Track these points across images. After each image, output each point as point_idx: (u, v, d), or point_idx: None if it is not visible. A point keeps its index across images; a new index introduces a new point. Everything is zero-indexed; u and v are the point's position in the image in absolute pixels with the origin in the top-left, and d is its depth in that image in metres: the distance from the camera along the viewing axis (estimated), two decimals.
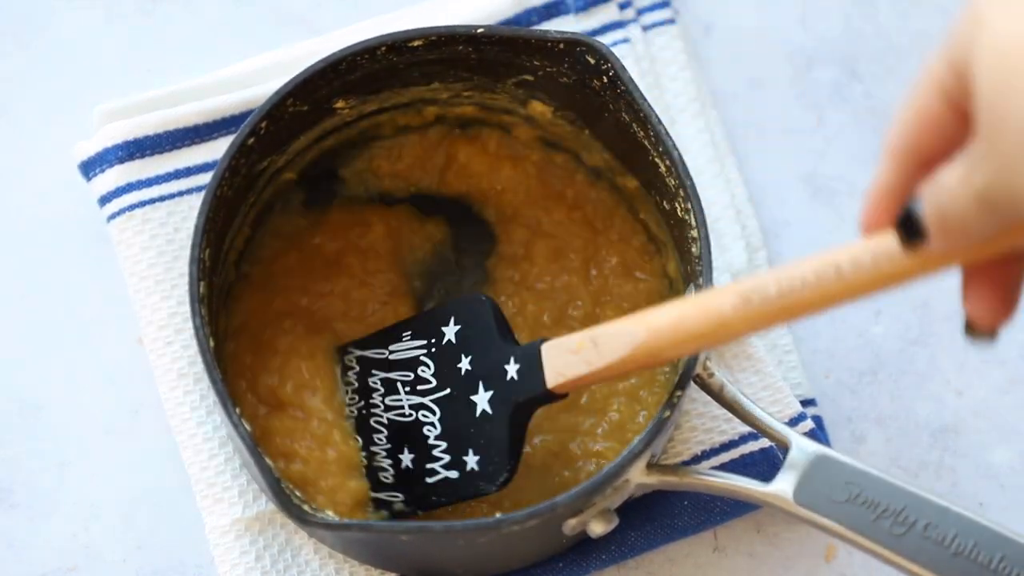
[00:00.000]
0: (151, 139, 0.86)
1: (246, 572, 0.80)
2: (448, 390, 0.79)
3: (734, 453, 0.83)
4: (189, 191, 0.86)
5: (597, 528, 0.76)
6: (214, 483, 0.82)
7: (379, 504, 0.81)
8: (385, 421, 0.82)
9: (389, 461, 0.81)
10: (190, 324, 0.78)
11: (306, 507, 0.75)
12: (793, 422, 0.83)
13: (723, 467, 0.82)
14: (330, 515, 0.77)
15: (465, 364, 0.79)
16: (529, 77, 0.83)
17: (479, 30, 0.81)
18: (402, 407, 0.81)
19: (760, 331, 0.69)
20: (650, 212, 0.85)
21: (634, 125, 0.81)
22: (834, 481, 0.74)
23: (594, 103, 0.82)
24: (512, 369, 0.76)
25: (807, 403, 0.86)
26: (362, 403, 0.82)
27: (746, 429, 0.82)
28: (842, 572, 0.84)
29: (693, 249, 0.78)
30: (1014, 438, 0.87)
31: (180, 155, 0.87)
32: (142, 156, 0.86)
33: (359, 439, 0.82)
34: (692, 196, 0.78)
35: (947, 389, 0.87)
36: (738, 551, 0.84)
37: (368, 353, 0.83)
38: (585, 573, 0.82)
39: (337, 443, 0.81)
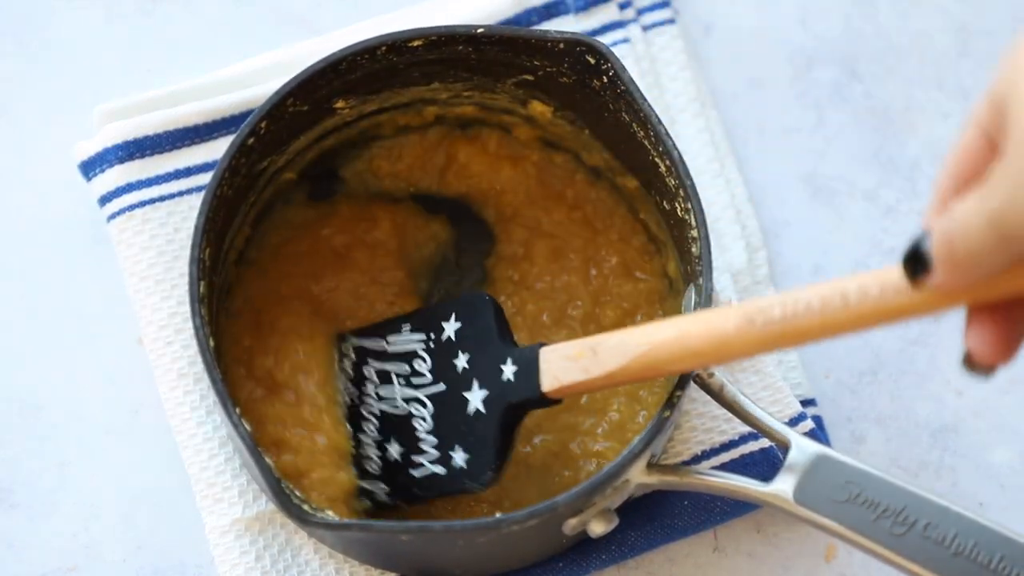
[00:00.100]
0: (151, 139, 0.86)
1: (246, 572, 0.80)
2: (442, 386, 0.79)
3: (734, 453, 0.83)
4: (189, 191, 0.86)
5: (597, 528, 0.76)
6: (214, 483, 0.82)
7: (362, 492, 0.81)
8: (377, 412, 0.82)
9: (377, 452, 0.81)
10: (190, 324, 0.78)
11: (306, 507, 0.75)
12: (793, 422, 0.83)
13: (723, 467, 0.82)
14: (330, 515, 0.77)
15: (462, 361, 0.79)
16: (529, 77, 0.83)
17: (479, 30, 0.81)
18: (395, 399, 0.81)
19: (761, 353, 0.69)
20: (650, 212, 0.85)
21: (634, 125, 0.81)
22: (834, 481, 0.74)
23: (594, 103, 0.82)
24: (509, 370, 0.76)
25: (807, 403, 0.86)
26: (356, 392, 0.83)
27: (746, 429, 0.82)
28: (842, 572, 0.84)
29: (693, 249, 0.78)
30: (1014, 438, 0.86)
31: (180, 155, 0.87)
32: (142, 156, 0.86)
33: (349, 427, 0.82)
34: (692, 196, 0.78)
35: (947, 389, 0.87)
36: (738, 551, 0.84)
37: (366, 343, 0.83)
38: (585, 573, 0.82)
39: (328, 430, 0.81)
